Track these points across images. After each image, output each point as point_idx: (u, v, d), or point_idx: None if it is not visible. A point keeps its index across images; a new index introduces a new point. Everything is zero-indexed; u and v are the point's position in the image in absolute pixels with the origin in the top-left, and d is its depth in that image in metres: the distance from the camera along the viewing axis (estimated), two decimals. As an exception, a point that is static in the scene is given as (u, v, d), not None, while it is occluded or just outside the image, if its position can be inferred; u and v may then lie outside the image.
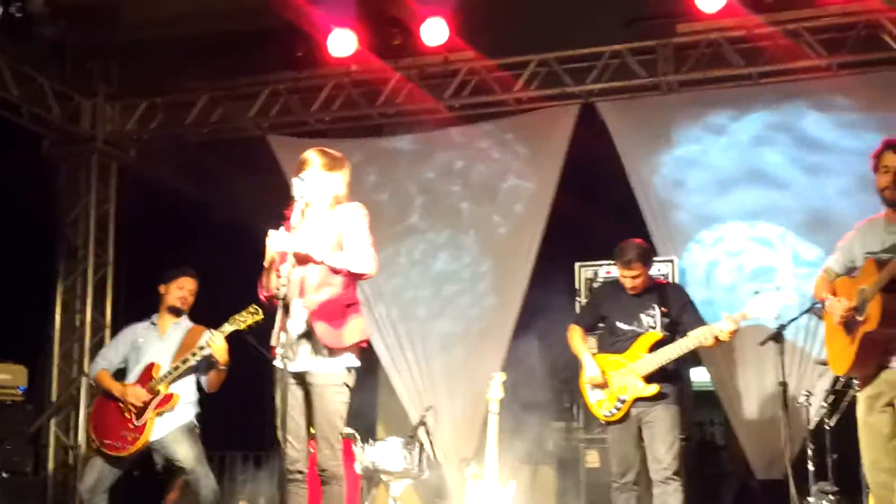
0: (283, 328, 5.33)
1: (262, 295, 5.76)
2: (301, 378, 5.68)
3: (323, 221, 5.69)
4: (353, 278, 5.70)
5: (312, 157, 5.73)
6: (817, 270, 7.77)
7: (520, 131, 9.76)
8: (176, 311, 7.58)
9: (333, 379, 5.66)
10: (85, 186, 10.54)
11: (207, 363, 7.34)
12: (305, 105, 10.06)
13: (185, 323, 7.60)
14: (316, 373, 5.64)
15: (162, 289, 7.61)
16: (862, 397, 5.75)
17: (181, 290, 7.57)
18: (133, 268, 10.39)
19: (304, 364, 5.65)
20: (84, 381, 10.10)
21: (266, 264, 5.50)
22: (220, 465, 8.78)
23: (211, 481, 7.44)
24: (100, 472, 7.34)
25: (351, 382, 5.73)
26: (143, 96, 10.45)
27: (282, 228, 5.51)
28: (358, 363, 5.77)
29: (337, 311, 5.68)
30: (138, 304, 8.05)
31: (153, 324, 7.61)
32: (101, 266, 10.50)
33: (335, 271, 5.59)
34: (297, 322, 5.64)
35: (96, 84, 10.49)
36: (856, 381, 7.10)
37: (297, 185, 5.53)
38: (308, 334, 5.64)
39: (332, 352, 5.65)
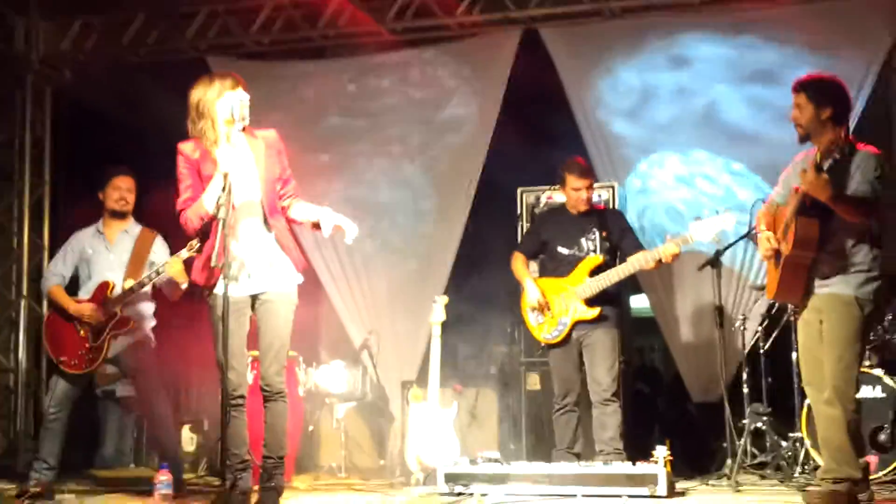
0: (227, 247, 5.34)
1: (193, 224, 5.73)
2: (250, 299, 5.72)
3: (254, 145, 5.76)
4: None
5: (237, 80, 5.73)
6: (754, 197, 8.01)
7: (462, 56, 9.70)
8: (118, 215, 7.43)
9: (288, 297, 5.78)
10: (20, 108, 10.33)
11: (168, 280, 7.25)
12: (244, 27, 9.92)
13: (133, 230, 7.45)
14: (273, 291, 5.72)
15: (101, 195, 7.47)
16: (800, 323, 5.94)
17: (118, 189, 7.41)
18: (70, 190, 10.26)
19: (259, 285, 5.70)
20: (24, 302, 10.02)
21: (221, 184, 5.43)
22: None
23: (163, 398, 7.43)
24: (63, 388, 7.26)
25: (296, 301, 5.85)
26: (78, 15, 10.20)
27: (220, 150, 5.56)
28: (302, 279, 5.87)
29: (291, 233, 5.83)
30: (77, 226, 7.94)
31: (99, 231, 7.44)
32: (36, 188, 10.31)
33: (280, 193, 5.77)
34: (254, 243, 5.67)
35: (28, 1, 10.19)
36: (790, 307, 7.35)
37: (241, 105, 5.56)
38: (266, 254, 5.70)
39: (293, 268, 5.78)
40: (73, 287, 7.43)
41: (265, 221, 5.71)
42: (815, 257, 5.69)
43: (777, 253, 5.82)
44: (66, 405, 7.25)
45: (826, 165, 5.57)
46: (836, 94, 5.78)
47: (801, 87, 5.80)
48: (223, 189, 5.39)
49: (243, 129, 5.64)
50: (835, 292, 5.68)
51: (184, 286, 7.16)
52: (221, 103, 5.61)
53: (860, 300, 5.64)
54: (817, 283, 5.74)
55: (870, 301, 5.66)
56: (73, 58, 10.41)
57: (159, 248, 7.38)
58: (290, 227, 5.85)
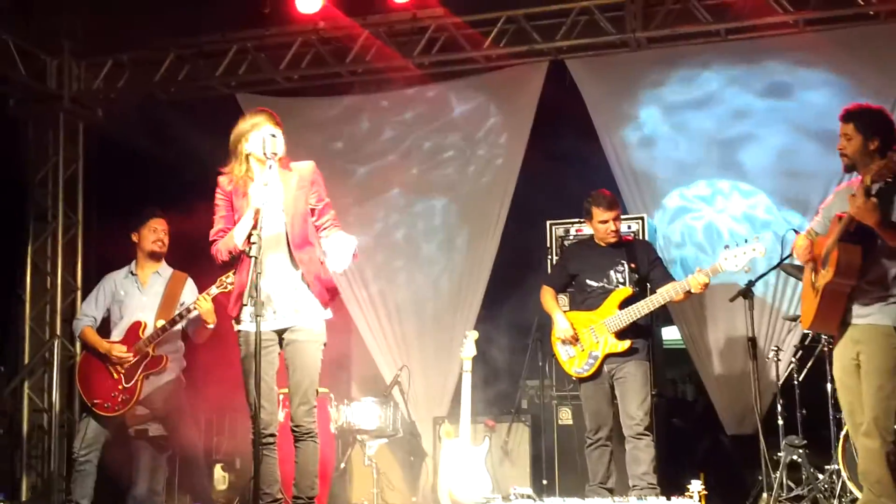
0: (255, 287, 5.31)
1: (223, 256, 5.77)
2: (278, 336, 5.72)
3: (287, 179, 5.75)
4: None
5: (270, 116, 5.79)
6: (786, 225, 7.97)
7: (489, 89, 9.73)
8: (155, 256, 7.56)
9: (315, 335, 5.76)
10: (53, 146, 10.44)
11: (194, 321, 7.33)
12: (273, 63, 9.98)
13: (165, 272, 7.58)
14: (299, 328, 5.71)
15: (135, 236, 7.60)
16: (836, 354, 5.89)
17: (154, 232, 7.56)
18: (102, 229, 10.33)
19: (284, 321, 5.70)
20: (57, 343, 10.04)
21: (252, 221, 5.46)
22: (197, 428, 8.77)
23: (193, 434, 7.48)
24: (95, 430, 7.34)
25: (326, 339, 5.83)
26: (109, 54, 10.32)
27: (254, 186, 5.57)
28: (331, 315, 5.87)
29: (321, 267, 5.80)
30: (109, 265, 8.01)
31: (132, 273, 7.57)
32: (70, 227, 10.38)
33: (311, 226, 5.76)
34: (281, 279, 5.67)
35: (61, 41, 10.32)
36: (824, 338, 7.28)
37: (275, 142, 5.58)
38: (292, 291, 5.69)
39: (320, 305, 5.76)
40: (105, 329, 7.51)
41: (291, 256, 5.72)
42: (856, 286, 5.65)
43: (814, 263, 5.81)
44: (96, 447, 7.31)
45: (874, 190, 5.54)
46: (884, 125, 5.76)
47: (850, 116, 5.77)
48: (254, 226, 5.40)
49: (280, 163, 5.68)
50: (874, 323, 5.65)
51: (210, 326, 7.22)
52: (253, 139, 5.66)
53: None
54: (855, 313, 5.70)
55: None
56: (104, 96, 10.53)
57: (190, 290, 7.46)
58: (320, 261, 5.83)
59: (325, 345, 5.82)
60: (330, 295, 5.86)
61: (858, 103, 5.90)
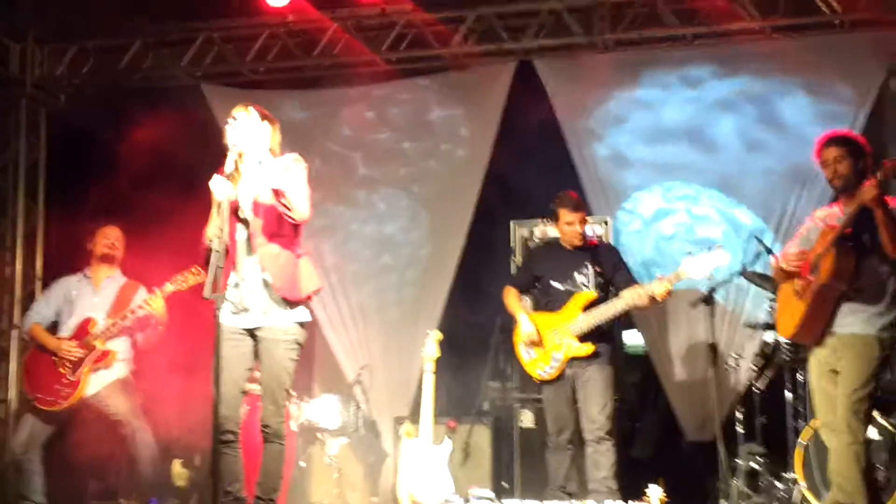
0: (222, 282, 5.29)
1: (203, 253, 5.74)
2: (251, 333, 5.68)
3: (260, 172, 5.66)
4: (296, 225, 5.70)
5: (243, 107, 5.72)
6: (753, 230, 8.04)
7: (457, 87, 9.70)
8: (108, 259, 7.63)
9: (287, 335, 5.70)
10: (14, 133, 10.27)
11: (144, 322, 7.34)
12: (240, 54, 9.90)
13: (119, 278, 7.65)
14: (269, 328, 5.67)
15: (89, 244, 7.68)
16: (813, 361, 6.03)
17: (106, 238, 7.65)
18: (63, 219, 10.21)
19: (256, 319, 5.66)
20: (15, 333, 9.93)
21: (214, 210, 5.44)
22: (156, 423, 8.71)
23: (147, 435, 7.46)
24: (32, 427, 7.37)
25: (302, 339, 5.78)
26: (74, 41, 10.20)
27: (216, 177, 5.49)
28: (310, 317, 5.82)
29: (290, 262, 5.72)
30: (68, 254, 8.00)
31: (86, 276, 7.64)
32: (31, 216, 10.26)
33: (281, 220, 5.59)
34: (248, 276, 5.63)
35: (25, 27, 10.17)
36: (784, 346, 7.36)
37: (230, 132, 5.50)
38: (260, 289, 5.64)
39: (289, 304, 5.68)
40: (54, 330, 7.56)
41: (260, 253, 5.65)
42: (845, 292, 5.79)
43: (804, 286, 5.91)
44: (36, 445, 7.32)
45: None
46: (865, 148, 5.97)
47: (840, 141, 5.98)
48: (218, 221, 5.37)
49: (263, 159, 5.65)
50: (857, 332, 5.80)
51: (160, 328, 7.26)
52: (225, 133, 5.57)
53: (882, 341, 5.77)
54: (839, 321, 5.85)
55: (890, 344, 5.81)
56: (68, 83, 10.38)
57: (141, 298, 7.43)
58: (297, 255, 5.75)
59: (299, 345, 5.76)
60: (305, 288, 5.77)
61: (836, 131, 6.18)
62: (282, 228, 5.68)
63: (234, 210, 5.62)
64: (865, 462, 5.75)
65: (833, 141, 5.97)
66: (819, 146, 6.01)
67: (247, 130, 5.62)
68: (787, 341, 7.24)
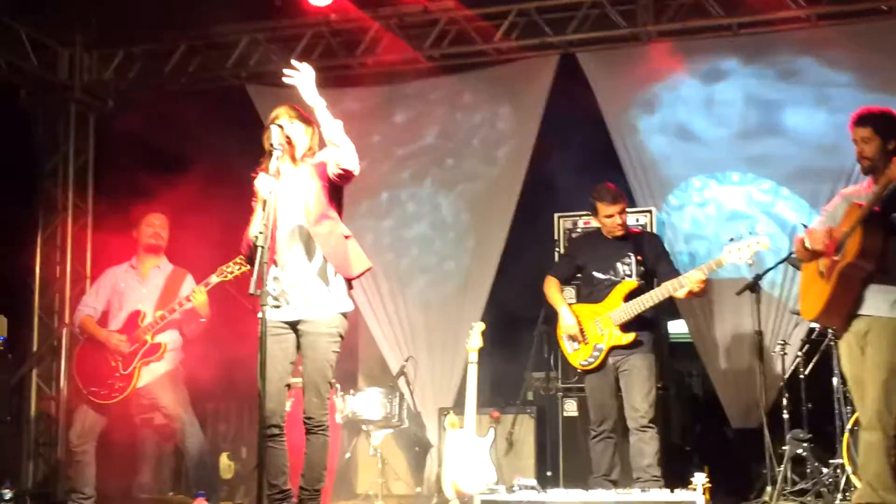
0: (264, 276, 5.29)
1: (243, 250, 5.81)
2: (293, 326, 5.71)
3: (303, 170, 5.72)
4: (342, 182, 5.71)
5: (286, 108, 5.80)
6: (793, 219, 7.95)
7: (500, 82, 9.71)
8: (153, 249, 7.64)
9: (329, 328, 5.69)
10: (63, 137, 10.44)
11: (191, 314, 7.39)
12: (284, 55, 9.97)
13: (165, 266, 7.67)
14: (311, 321, 5.68)
15: (134, 233, 7.71)
16: (843, 348, 5.86)
17: (151, 226, 7.65)
18: (112, 219, 10.33)
19: (298, 312, 5.69)
20: (65, 331, 10.06)
21: (259, 207, 5.50)
22: (204, 416, 8.79)
23: (196, 429, 7.51)
24: (88, 419, 7.40)
25: (344, 331, 5.77)
26: (121, 45, 10.35)
27: (261, 175, 5.54)
28: (352, 306, 5.82)
29: (341, 240, 5.75)
30: (117, 254, 8.05)
31: (132, 267, 7.66)
32: (80, 216, 10.41)
33: (329, 202, 5.65)
34: (292, 266, 5.67)
35: (74, 32, 10.35)
36: (830, 332, 7.24)
37: (275, 133, 5.56)
38: (304, 279, 5.68)
39: (332, 292, 5.68)
40: (105, 323, 7.60)
41: (306, 249, 5.67)
42: (872, 272, 5.60)
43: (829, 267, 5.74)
44: (92, 437, 7.37)
45: None
46: None
47: (867, 120, 5.78)
48: (263, 217, 5.39)
49: (303, 158, 5.71)
50: (882, 315, 5.61)
51: (203, 320, 7.30)
52: (268, 134, 5.64)
53: None
54: (866, 303, 5.65)
55: None
56: (115, 87, 10.54)
57: (189, 286, 7.49)
58: (341, 247, 5.76)
59: (341, 337, 5.75)
60: (356, 267, 5.79)
61: (869, 107, 5.91)
62: (329, 210, 5.72)
63: (275, 207, 5.65)
64: None
65: (862, 120, 5.78)
66: (851, 123, 5.84)
67: (288, 131, 5.68)
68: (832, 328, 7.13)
